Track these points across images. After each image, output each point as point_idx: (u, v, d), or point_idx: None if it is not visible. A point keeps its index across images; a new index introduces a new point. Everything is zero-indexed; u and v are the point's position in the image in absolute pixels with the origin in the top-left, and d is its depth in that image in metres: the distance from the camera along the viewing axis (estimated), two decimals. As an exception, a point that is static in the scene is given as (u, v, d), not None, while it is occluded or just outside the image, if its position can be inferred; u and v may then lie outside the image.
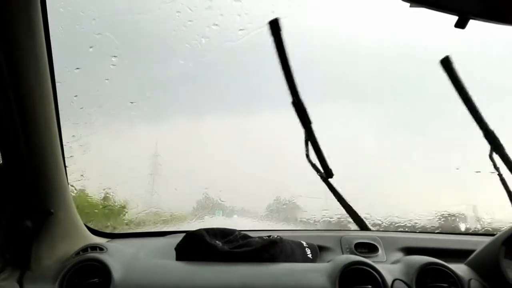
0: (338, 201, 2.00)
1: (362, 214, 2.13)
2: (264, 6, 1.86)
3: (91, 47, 1.87)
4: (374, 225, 2.13)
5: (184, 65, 2.02)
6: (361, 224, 2.03)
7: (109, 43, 1.91)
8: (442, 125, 2.11)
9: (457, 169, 2.15)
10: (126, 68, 2.03)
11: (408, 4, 0.91)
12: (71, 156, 1.83)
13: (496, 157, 1.85)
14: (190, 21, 1.85)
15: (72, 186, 1.70)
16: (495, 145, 1.83)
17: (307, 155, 1.95)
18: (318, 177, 1.95)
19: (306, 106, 1.87)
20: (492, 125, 1.82)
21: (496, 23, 0.93)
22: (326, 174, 1.91)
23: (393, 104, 2.32)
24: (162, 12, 1.85)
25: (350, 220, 2.07)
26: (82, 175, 1.95)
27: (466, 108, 1.81)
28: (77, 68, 1.84)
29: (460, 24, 0.93)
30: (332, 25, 2.09)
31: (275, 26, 1.74)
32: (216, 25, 1.87)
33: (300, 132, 1.89)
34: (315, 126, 1.88)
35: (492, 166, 1.87)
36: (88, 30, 1.83)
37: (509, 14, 0.90)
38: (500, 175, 1.87)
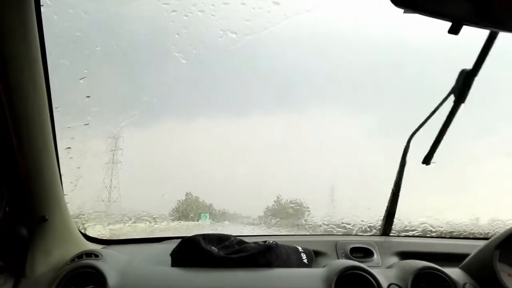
0: (391, 198, 2.04)
1: (358, 218, 2.14)
2: (259, 10, 1.87)
3: (85, 51, 1.87)
4: (369, 229, 2.14)
5: (179, 69, 2.02)
6: (386, 229, 2.05)
7: (103, 48, 1.91)
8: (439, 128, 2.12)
9: (452, 171, 2.16)
10: (121, 72, 2.03)
11: (402, 10, 0.92)
12: (71, 157, 1.83)
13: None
14: (185, 29, 1.85)
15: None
16: None
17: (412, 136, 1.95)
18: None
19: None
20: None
21: (489, 29, 0.94)
22: (425, 159, 1.87)
23: (389, 106, 2.33)
24: (157, 19, 1.85)
25: (345, 224, 2.08)
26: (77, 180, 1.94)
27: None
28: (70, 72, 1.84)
29: (454, 30, 0.94)
30: (330, 27, 2.10)
31: None
32: (211, 29, 1.88)
33: (296, 135, 1.90)
34: (312, 128, 1.87)
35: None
36: (82, 35, 1.83)
37: (502, 20, 0.92)
38: None
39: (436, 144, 1.80)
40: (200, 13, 1.79)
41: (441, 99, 1.72)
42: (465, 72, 1.62)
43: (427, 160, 1.83)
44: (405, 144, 1.99)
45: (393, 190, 2.05)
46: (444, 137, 1.77)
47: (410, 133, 1.95)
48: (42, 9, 1.25)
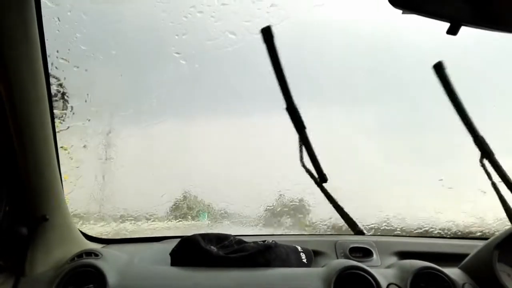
0: (333, 206, 2.00)
1: (356, 218, 2.14)
2: (257, 10, 1.87)
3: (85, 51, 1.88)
4: (368, 229, 2.14)
5: (178, 69, 2.02)
6: (356, 229, 2.03)
7: (103, 48, 1.92)
8: (437, 128, 2.12)
9: (451, 172, 2.16)
10: (120, 72, 2.03)
11: (401, 11, 0.92)
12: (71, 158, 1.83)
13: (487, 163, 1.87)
14: (184, 30, 1.85)
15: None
16: (485, 152, 1.84)
17: (301, 160, 1.95)
18: (313, 181, 1.95)
19: (299, 110, 1.87)
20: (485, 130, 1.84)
21: (488, 29, 0.94)
22: (320, 179, 1.91)
23: (387, 106, 2.34)
24: (157, 20, 1.86)
25: (345, 224, 2.08)
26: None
27: (457, 114, 1.82)
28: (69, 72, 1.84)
29: (452, 31, 0.94)
30: (325, 26, 2.10)
31: (267, 33, 1.76)
32: (210, 30, 1.88)
33: (295, 134, 1.89)
34: (309, 128, 1.88)
35: (485, 173, 1.89)
36: (82, 35, 1.83)
37: (500, 20, 0.92)
38: (493, 183, 1.88)
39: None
40: (199, 14, 1.79)
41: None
42: None
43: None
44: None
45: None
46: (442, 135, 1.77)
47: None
48: (42, 10, 1.25)
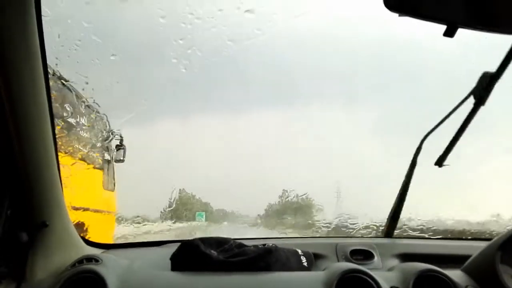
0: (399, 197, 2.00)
1: (361, 219, 2.13)
2: (257, 12, 1.87)
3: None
4: (370, 230, 2.13)
5: (178, 73, 2.03)
6: (389, 231, 2.03)
7: (103, 49, 1.92)
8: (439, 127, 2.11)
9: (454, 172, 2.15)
10: (119, 72, 2.03)
11: (397, 15, 0.92)
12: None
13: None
14: (183, 35, 1.85)
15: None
16: None
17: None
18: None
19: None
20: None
21: (483, 31, 0.94)
22: (438, 161, 1.87)
23: (389, 104, 2.33)
24: (155, 27, 1.86)
25: (344, 227, 2.07)
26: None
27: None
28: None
29: (449, 33, 0.94)
30: (328, 26, 2.10)
31: None
32: (208, 35, 1.88)
33: (294, 134, 1.90)
34: (310, 126, 1.88)
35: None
36: (82, 35, 1.84)
37: (496, 22, 0.92)
38: None
39: (451, 146, 1.78)
40: (197, 20, 1.79)
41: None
42: (488, 75, 1.60)
43: (440, 161, 1.81)
44: (417, 144, 1.96)
45: (400, 192, 2.02)
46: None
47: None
48: (43, 11, 1.25)
